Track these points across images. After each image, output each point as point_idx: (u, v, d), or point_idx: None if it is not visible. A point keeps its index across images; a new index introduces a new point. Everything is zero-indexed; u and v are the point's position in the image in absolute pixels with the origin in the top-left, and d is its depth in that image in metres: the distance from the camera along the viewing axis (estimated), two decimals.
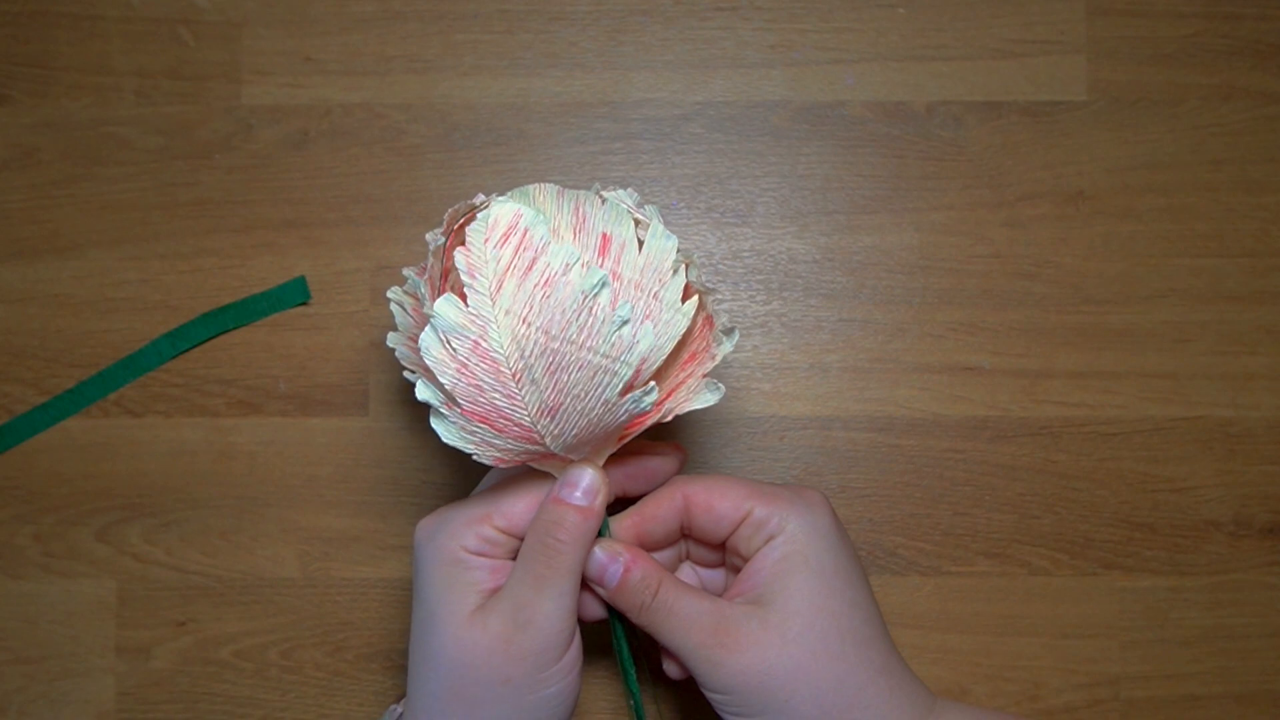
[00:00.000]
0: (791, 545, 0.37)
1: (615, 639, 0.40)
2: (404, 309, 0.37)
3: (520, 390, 0.34)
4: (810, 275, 0.46)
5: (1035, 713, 0.45)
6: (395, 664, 0.45)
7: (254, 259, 0.46)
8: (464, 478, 0.46)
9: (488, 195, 0.36)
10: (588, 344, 0.34)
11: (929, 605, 0.45)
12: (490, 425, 0.35)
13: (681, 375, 0.38)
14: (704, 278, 0.45)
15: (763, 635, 0.36)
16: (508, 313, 0.34)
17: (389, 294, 0.37)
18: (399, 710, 0.40)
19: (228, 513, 0.46)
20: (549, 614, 0.36)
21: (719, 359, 0.38)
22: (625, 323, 0.34)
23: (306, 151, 0.47)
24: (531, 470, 0.38)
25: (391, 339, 0.37)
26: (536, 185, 0.36)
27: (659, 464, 0.39)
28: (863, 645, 0.37)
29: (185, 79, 0.47)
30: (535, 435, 0.36)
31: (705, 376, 0.38)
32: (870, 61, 0.47)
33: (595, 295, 0.34)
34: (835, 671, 0.36)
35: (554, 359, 0.34)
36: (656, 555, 0.40)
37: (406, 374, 0.36)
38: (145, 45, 0.47)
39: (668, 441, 0.40)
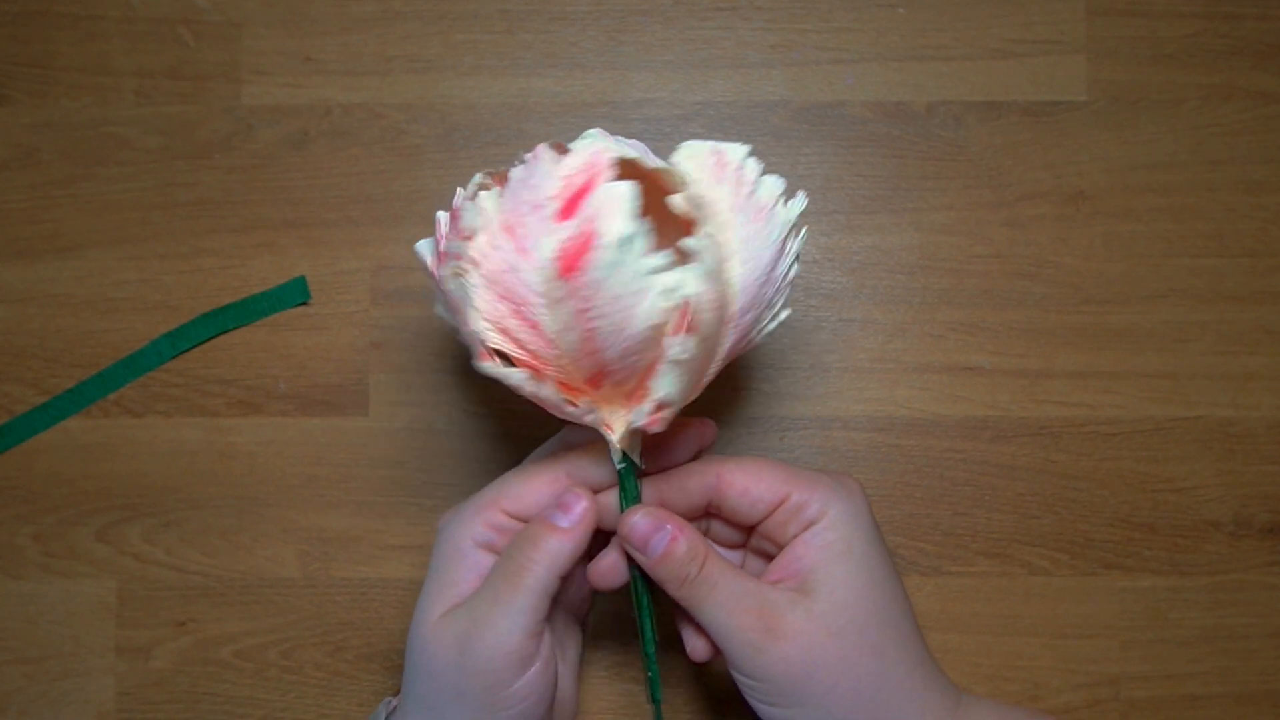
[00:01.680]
0: (835, 533, 0.36)
1: (638, 610, 0.38)
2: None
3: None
4: (810, 275, 0.46)
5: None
6: (395, 664, 0.45)
7: (254, 259, 0.46)
8: (465, 478, 0.46)
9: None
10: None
11: (929, 605, 0.45)
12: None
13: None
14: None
15: (808, 625, 0.35)
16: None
17: (445, 272, 0.34)
18: (394, 703, 0.40)
19: (228, 513, 0.46)
20: (501, 632, 0.35)
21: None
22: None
23: (306, 151, 0.47)
24: (545, 460, 0.37)
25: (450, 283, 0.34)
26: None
27: (691, 433, 0.38)
28: (902, 640, 0.36)
29: (185, 79, 0.47)
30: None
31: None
32: (870, 61, 0.47)
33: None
34: (876, 666, 0.36)
35: None
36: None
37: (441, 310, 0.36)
38: (145, 45, 0.47)
39: (698, 418, 0.39)
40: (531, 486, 0.37)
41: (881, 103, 0.47)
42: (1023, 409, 0.46)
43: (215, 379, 0.46)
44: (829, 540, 0.36)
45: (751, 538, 0.39)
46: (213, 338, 0.46)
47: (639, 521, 0.36)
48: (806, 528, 0.36)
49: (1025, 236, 0.46)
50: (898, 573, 0.38)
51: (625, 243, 0.32)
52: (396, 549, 0.46)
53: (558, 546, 0.36)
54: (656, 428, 0.35)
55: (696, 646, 0.38)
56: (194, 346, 0.46)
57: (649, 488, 0.38)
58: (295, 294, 0.46)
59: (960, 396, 0.46)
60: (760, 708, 0.36)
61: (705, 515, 0.39)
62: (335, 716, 0.45)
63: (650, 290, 0.32)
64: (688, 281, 0.32)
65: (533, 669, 0.36)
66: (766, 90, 0.47)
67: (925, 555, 0.46)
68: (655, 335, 0.33)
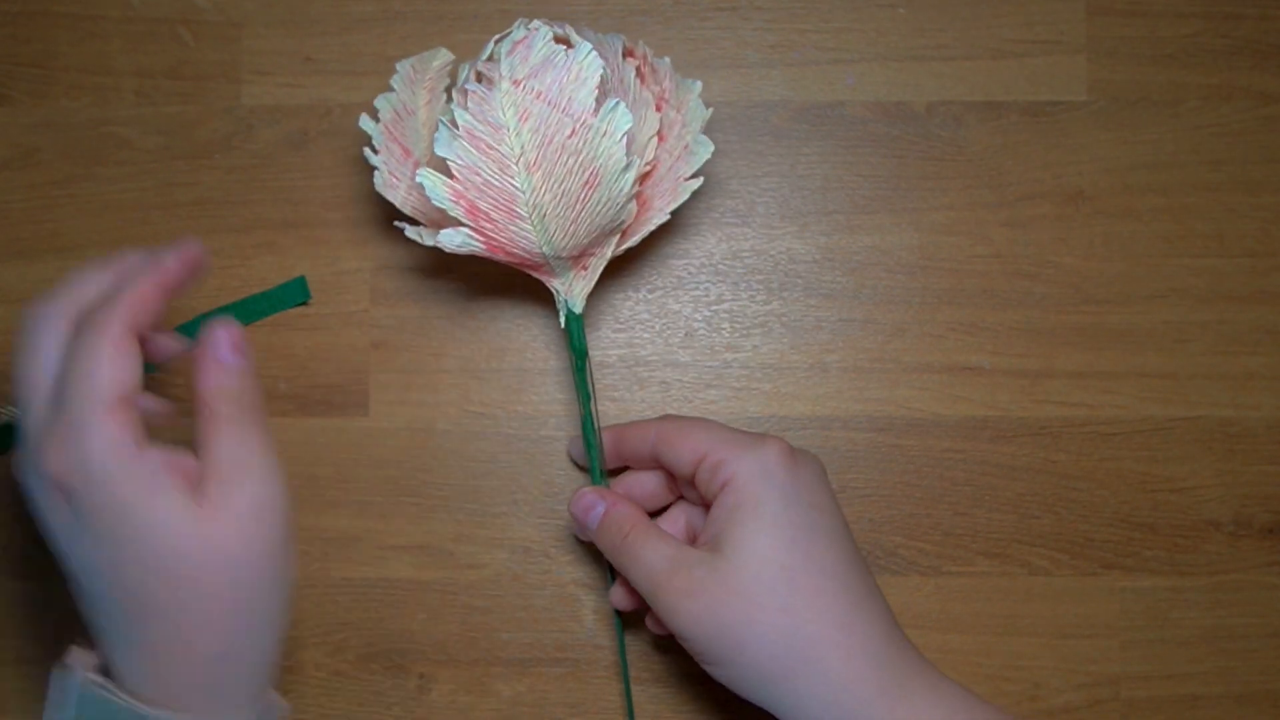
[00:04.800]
0: (742, 494, 0.38)
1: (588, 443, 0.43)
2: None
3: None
4: (810, 275, 0.46)
5: (1035, 713, 0.45)
6: (395, 664, 0.45)
7: (254, 259, 0.46)
8: (465, 478, 0.46)
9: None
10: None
11: (929, 605, 0.45)
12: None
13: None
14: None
15: (712, 584, 0.37)
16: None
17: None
18: (84, 674, 0.34)
19: None
20: (280, 491, 0.34)
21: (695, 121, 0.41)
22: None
23: (306, 151, 0.47)
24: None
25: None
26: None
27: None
28: (816, 598, 0.37)
29: (185, 79, 0.47)
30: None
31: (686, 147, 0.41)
32: (870, 61, 0.47)
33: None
34: (782, 624, 0.36)
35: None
36: (643, 477, 0.43)
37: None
38: (145, 45, 0.47)
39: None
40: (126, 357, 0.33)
41: (881, 103, 0.47)
42: (1023, 409, 0.46)
43: None
44: (737, 501, 0.38)
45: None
46: None
47: (580, 494, 0.41)
48: (722, 488, 0.38)
49: (1025, 236, 0.46)
50: (837, 535, 0.38)
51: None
52: (396, 549, 0.46)
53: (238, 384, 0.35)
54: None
55: (618, 595, 0.42)
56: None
57: (609, 435, 0.43)
58: (295, 294, 0.46)
59: (960, 396, 0.46)
60: (705, 668, 0.38)
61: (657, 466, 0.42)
62: (335, 716, 0.45)
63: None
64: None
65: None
66: (766, 90, 0.47)
67: (925, 555, 0.46)
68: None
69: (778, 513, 0.37)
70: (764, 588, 0.36)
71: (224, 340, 0.35)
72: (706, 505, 0.40)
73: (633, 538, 0.39)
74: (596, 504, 0.41)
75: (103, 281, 0.35)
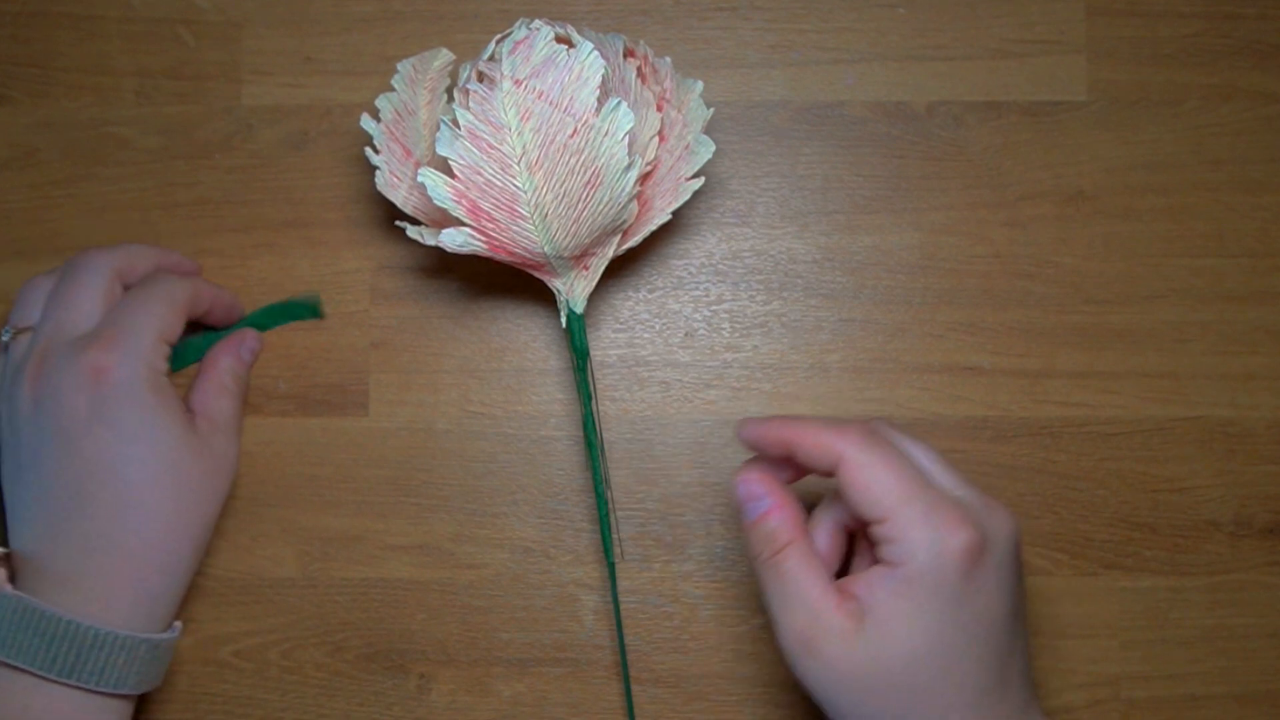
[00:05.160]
0: (907, 584, 0.34)
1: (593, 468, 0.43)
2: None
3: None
4: (810, 275, 0.46)
5: None
6: (395, 664, 0.45)
7: (254, 259, 0.46)
8: (465, 478, 0.46)
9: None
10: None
11: None
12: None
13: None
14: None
15: (842, 659, 0.35)
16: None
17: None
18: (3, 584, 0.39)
19: (227, 513, 0.46)
20: (238, 454, 0.44)
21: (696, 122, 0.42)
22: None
23: (306, 151, 0.47)
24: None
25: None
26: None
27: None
28: (945, 711, 0.35)
29: (185, 79, 0.47)
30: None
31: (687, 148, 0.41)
32: (870, 61, 0.47)
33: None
34: None
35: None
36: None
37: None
38: (145, 45, 0.47)
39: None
40: (180, 315, 0.43)
41: (881, 103, 0.47)
42: (1023, 409, 0.46)
43: None
44: (899, 590, 0.34)
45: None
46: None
47: (750, 478, 0.37)
48: (893, 564, 0.35)
49: (1025, 236, 0.46)
50: (988, 647, 0.35)
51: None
52: (396, 549, 0.46)
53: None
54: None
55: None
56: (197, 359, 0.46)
57: (778, 428, 0.37)
58: (309, 312, 0.46)
59: (960, 396, 0.46)
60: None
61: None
62: (335, 716, 0.45)
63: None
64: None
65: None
66: (766, 90, 0.47)
67: None
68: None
69: (933, 621, 0.34)
70: (889, 687, 0.35)
71: (250, 343, 0.45)
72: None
73: (781, 562, 0.36)
74: (761, 498, 0.37)
75: (147, 259, 0.44)
